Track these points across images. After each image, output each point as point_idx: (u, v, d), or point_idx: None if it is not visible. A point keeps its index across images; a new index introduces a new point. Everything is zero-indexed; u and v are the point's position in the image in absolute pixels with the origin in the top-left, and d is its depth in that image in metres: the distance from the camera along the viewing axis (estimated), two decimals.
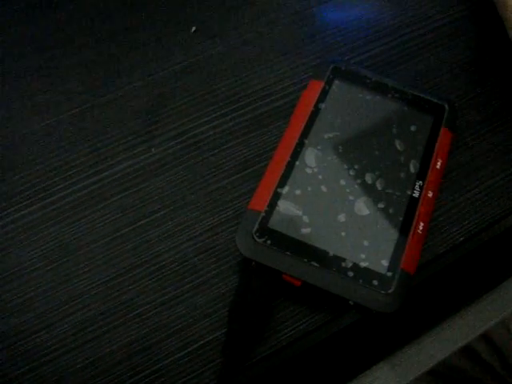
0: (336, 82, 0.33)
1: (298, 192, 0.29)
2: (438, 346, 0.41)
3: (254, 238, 0.28)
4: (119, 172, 0.33)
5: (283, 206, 0.29)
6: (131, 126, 0.35)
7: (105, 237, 0.32)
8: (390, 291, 0.27)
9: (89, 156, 0.34)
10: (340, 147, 0.31)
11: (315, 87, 0.33)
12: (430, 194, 0.30)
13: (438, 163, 0.31)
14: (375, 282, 0.27)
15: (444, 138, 0.31)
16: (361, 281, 0.27)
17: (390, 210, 0.29)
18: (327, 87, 0.33)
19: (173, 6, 0.40)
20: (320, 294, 0.28)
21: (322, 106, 0.32)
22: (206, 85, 0.36)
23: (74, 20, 0.40)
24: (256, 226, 0.28)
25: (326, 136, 0.31)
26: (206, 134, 0.34)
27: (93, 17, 0.40)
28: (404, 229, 0.29)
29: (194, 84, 0.36)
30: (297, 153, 0.30)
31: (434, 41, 0.38)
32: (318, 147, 0.30)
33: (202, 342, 0.29)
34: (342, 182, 0.30)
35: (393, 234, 0.28)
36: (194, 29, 0.39)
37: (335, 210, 0.29)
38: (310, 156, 0.30)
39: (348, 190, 0.29)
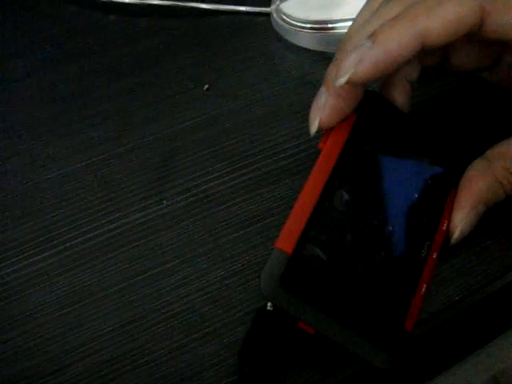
0: (369, 117, 0.31)
1: (324, 237, 0.28)
2: None
3: (280, 284, 0.26)
4: (131, 222, 0.35)
5: (310, 250, 0.27)
6: (144, 179, 0.37)
7: (116, 285, 0.33)
8: (390, 350, 0.28)
9: (102, 206, 0.35)
10: (367, 192, 0.30)
11: (348, 120, 0.31)
12: (435, 256, 0.30)
13: (445, 224, 0.31)
14: (379, 340, 0.27)
15: (452, 198, 0.31)
16: (367, 337, 0.27)
17: (402, 269, 0.29)
18: (360, 122, 0.31)
19: (186, 64, 0.42)
20: (328, 342, 0.29)
21: (354, 142, 0.30)
22: (216, 141, 0.38)
23: (93, 73, 0.42)
24: (283, 271, 0.27)
25: (355, 178, 0.30)
26: (216, 189, 0.36)
27: (111, 71, 0.42)
28: (410, 289, 0.29)
29: (206, 140, 0.38)
30: (327, 192, 0.29)
31: None
32: (348, 189, 0.29)
33: None
34: (366, 232, 0.29)
35: (400, 293, 0.29)
36: (206, 87, 0.41)
37: (356, 261, 0.28)
38: (339, 198, 0.29)
39: (369, 242, 0.29)
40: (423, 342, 0.32)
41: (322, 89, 0.30)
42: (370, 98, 0.32)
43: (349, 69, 0.28)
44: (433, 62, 0.34)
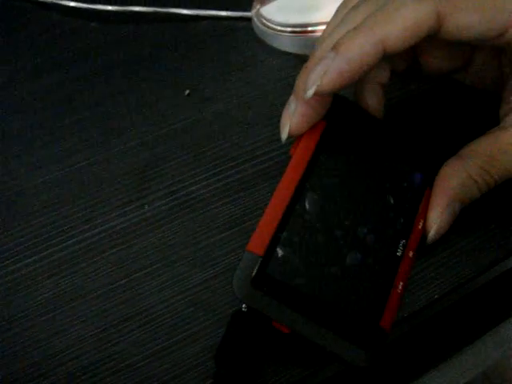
0: (339, 122, 0.32)
1: (296, 239, 0.29)
2: None
3: (252, 285, 0.28)
4: (114, 227, 0.35)
5: (281, 252, 0.28)
6: (126, 184, 0.37)
7: (99, 289, 0.33)
8: (366, 347, 0.28)
9: (85, 211, 0.36)
10: (338, 195, 0.30)
11: (318, 126, 0.32)
12: (411, 254, 0.31)
13: (420, 223, 0.31)
14: (355, 338, 0.28)
15: (427, 198, 0.32)
16: (343, 335, 0.28)
17: (376, 267, 0.29)
18: (330, 128, 0.32)
19: (168, 70, 0.43)
20: (303, 341, 0.29)
21: (324, 148, 0.31)
22: (197, 146, 0.38)
23: (76, 80, 0.42)
24: (255, 272, 0.28)
25: (325, 181, 0.31)
26: (197, 193, 0.36)
27: (93, 78, 0.43)
28: (385, 287, 0.29)
29: (186, 145, 0.39)
30: (297, 196, 0.30)
31: None
32: (318, 192, 0.30)
33: None
34: (337, 233, 0.30)
35: (375, 292, 0.29)
36: (187, 92, 0.41)
37: (328, 261, 0.29)
38: (309, 201, 0.30)
39: (341, 242, 0.30)
40: (407, 342, 0.33)
41: (292, 97, 0.32)
42: (339, 103, 0.33)
43: (315, 81, 0.29)
44: (403, 65, 0.35)
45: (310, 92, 0.29)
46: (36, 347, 0.31)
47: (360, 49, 0.28)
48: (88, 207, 0.36)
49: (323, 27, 0.42)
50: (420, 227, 0.32)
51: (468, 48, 0.34)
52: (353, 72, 0.29)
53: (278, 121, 0.32)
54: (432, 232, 0.31)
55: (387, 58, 0.30)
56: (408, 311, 0.32)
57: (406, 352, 0.35)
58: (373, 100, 0.34)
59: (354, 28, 0.29)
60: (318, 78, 0.29)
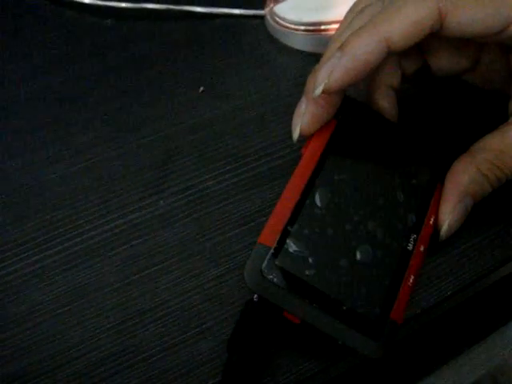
0: (349, 121, 0.33)
1: (306, 232, 0.30)
2: None
3: (262, 274, 0.28)
4: (129, 222, 0.35)
5: (291, 244, 0.29)
6: (141, 179, 0.37)
7: (113, 283, 0.33)
8: (378, 338, 0.28)
9: (100, 206, 0.36)
10: (348, 191, 0.31)
11: (329, 125, 0.33)
12: (422, 249, 0.31)
13: (432, 219, 0.32)
14: (366, 328, 0.28)
15: (438, 194, 0.32)
16: (354, 325, 0.28)
17: (386, 260, 0.30)
18: (340, 127, 0.33)
19: (182, 67, 0.43)
20: (316, 333, 0.29)
21: (334, 146, 0.32)
22: (212, 142, 0.39)
23: (90, 76, 0.43)
24: (265, 263, 0.28)
25: (336, 178, 0.31)
26: (212, 189, 0.37)
27: (107, 74, 0.43)
28: (396, 280, 0.30)
29: (201, 141, 0.39)
30: (307, 191, 0.30)
31: None
32: (328, 188, 0.31)
33: None
34: (347, 227, 0.30)
35: (386, 284, 0.30)
36: (201, 89, 0.42)
37: (338, 254, 0.30)
38: (319, 196, 0.31)
39: (351, 236, 0.30)
40: (418, 338, 0.33)
41: (303, 98, 0.33)
42: (349, 103, 0.34)
43: (323, 80, 0.30)
44: (412, 68, 0.36)
45: (319, 90, 0.30)
46: (52, 340, 0.32)
47: (365, 47, 0.29)
48: (103, 202, 0.36)
49: (336, 26, 0.43)
50: (431, 223, 0.32)
51: (474, 48, 0.34)
52: (358, 69, 0.30)
53: (290, 118, 0.33)
54: (444, 227, 0.31)
55: (395, 59, 0.32)
56: (421, 307, 0.32)
57: (417, 348, 0.36)
58: (386, 104, 0.35)
59: (359, 28, 0.30)
60: (325, 77, 0.30)
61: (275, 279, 0.28)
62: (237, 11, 0.46)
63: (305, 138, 0.33)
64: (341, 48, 0.30)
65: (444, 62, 0.35)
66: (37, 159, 0.39)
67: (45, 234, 0.35)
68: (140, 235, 0.35)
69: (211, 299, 0.33)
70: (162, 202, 0.36)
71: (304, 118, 0.32)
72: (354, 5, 0.35)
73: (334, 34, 0.35)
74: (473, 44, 0.34)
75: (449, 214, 0.32)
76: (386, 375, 0.37)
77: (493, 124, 0.33)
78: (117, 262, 0.34)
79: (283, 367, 0.31)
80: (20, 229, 0.36)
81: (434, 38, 0.31)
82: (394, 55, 0.34)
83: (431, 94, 0.40)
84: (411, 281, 0.30)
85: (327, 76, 0.30)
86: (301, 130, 0.32)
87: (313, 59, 0.43)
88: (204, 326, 0.32)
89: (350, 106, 0.34)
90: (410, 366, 0.38)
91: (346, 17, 0.35)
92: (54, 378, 0.31)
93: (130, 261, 0.34)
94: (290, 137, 0.34)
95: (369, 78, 0.35)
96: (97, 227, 0.35)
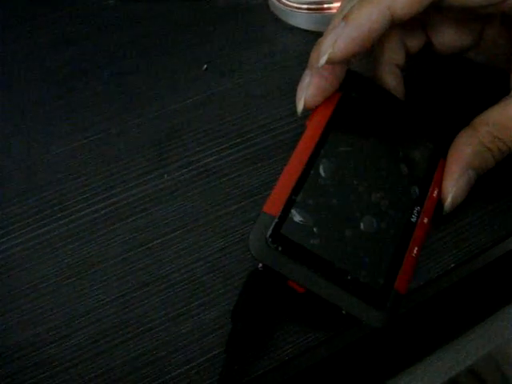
0: (354, 94, 0.33)
1: (310, 201, 0.30)
2: (428, 377, 0.43)
3: (266, 243, 0.28)
4: (133, 196, 0.36)
5: (296, 213, 0.29)
6: (145, 154, 0.37)
7: (118, 255, 0.34)
8: (382, 308, 0.29)
9: (105, 180, 0.36)
10: (352, 162, 0.31)
11: (333, 98, 0.33)
12: (426, 221, 0.31)
13: (435, 192, 0.32)
14: (370, 298, 0.29)
15: (441, 167, 0.33)
16: (358, 295, 0.28)
17: (391, 231, 0.30)
18: (344, 99, 0.33)
19: (185, 45, 0.43)
20: (320, 302, 0.30)
21: (339, 117, 0.32)
22: (215, 118, 0.39)
23: (93, 55, 0.43)
24: (269, 232, 0.28)
25: (340, 149, 0.31)
26: (216, 164, 0.37)
27: (111, 53, 0.43)
28: (400, 251, 0.30)
29: (205, 117, 0.39)
30: (312, 162, 0.31)
31: None
32: (332, 159, 0.31)
33: (208, 356, 0.31)
34: (352, 198, 0.30)
35: (390, 255, 0.30)
36: (205, 66, 0.42)
37: (342, 224, 0.30)
38: (323, 167, 0.31)
39: (355, 207, 0.30)
40: (421, 311, 0.33)
41: (307, 70, 0.33)
42: (352, 77, 0.34)
43: (327, 49, 0.30)
44: (416, 46, 0.36)
45: (323, 59, 0.30)
46: (58, 311, 0.32)
47: (368, 16, 0.29)
48: (107, 176, 0.37)
49: (338, 4, 0.43)
50: (435, 195, 0.32)
51: (477, 23, 0.34)
52: (362, 38, 0.30)
53: (294, 95, 0.33)
54: (448, 200, 0.32)
55: (398, 37, 0.33)
56: (424, 279, 0.32)
57: (421, 322, 0.36)
58: (392, 81, 0.35)
59: None
60: (329, 46, 0.30)
61: (280, 248, 0.28)
62: None
63: (309, 111, 0.33)
64: (345, 18, 0.30)
65: (447, 38, 0.35)
66: (40, 136, 0.39)
67: (49, 208, 0.36)
68: (144, 209, 0.35)
69: (214, 271, 0.33)
70: (165, 176, 0.36)
71: (308, 90, 0.32)
72: None
73: (338, 9, 0.35)
74: (475, 19, 0.34)
75: (452, 187, 0.32)
76: (389, 350, 0.37)
77: (494, 99, 0.33)
78: (121, 234, 0.34)
79: (287, 337, 0.31)
80: (24, 203, 0.36)
81: (437, 12, 0.31)
82: (397, 32, 0.35)
83: (434, 71, 0.40)
84: (415, 252, 0.31)
85: (332, 45, 0.30)
86: (305, 102, 0.32)
87: (315, 37, 0.43)
88: (207, 298, 0.32)
89: (354, 79, 0.34)
90: (413, 341, 0.38)
91: None
92: (59, 347, 0.31)
93: (133, 233, 0.34)
94: (294, 113, 0.34)
95: (374, 55, 0.36)
96: (101, 201, 0.36)
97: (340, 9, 0.34)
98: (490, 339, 0.49)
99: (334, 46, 0.30)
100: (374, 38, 0.30)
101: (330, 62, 0.30)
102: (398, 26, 0.31)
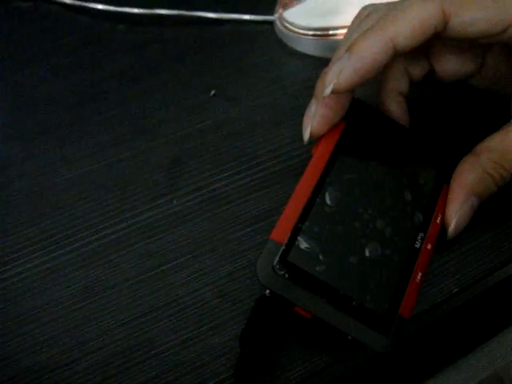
0: (358, 123, 0.34)
1: (316, 229, 0.30)
2: None
3: (274, 270, 0.29)
4: (143, 221, 0.36)
5: (302, 241, 0.30)
6: (154, 179, 0.38)
7: (128, 280, 0.34)
8: (386, 333, 0.29)
9: (115, 205, 0.37)
10: (357, 190, 0.32)
11: (338, 127, 0.34)
12: (429, 247, 0.32)
13: (438, 218, 0.33)
14: (375, 323, 0.29)
15: (444, 194, 0.33)
16: (363, 320, 0.29)
17: (395, 257, 0.31)
18: (349, 128, 0.34)
19: (193, 71, 0.44)
20: (326, 327, 0.30)
21: (344, 146, 0.33)
22: (224, 143, 0.40)
23: (104, 80, 0.44)
24: (277, 259, 0.29)
25: (345, 177, 0.32)
26: (224, 189, 0.38)
27: (120, 78, 0.44)
28: (404, 277, 0.31)
29: (212, 143, 0.40)
30: (318, 190, 0.31)
31: None
32: (338, 187, 0.32)
33: (217, 380, 0.31)
34: (357, 225, 0.31)
35: (394, 281, 0.30)
36: (212, 92, 0.43)
37: (348, 251, 0.30)
38: (329, 195, 0.31)
39: (360, 233, 0.31)
40: (425, 335, 0.34)
41: (312, 100, 0.34)
42: (357, 106, 0.35)
43: (332, 80, 0.31)
44: (420, 74, 0.36)
45: (328, 90, 0.31)
46: (68, 335, 0.32)
47: (371, 47, 0.30)
48: (117, 201, 0.37)
49: (344, 31, 0.44)
50: (438, 221, 0.33)
51: (479, 51, 0.35)
52: (366, 69, 0.31)
53: (301, 120, 0.34)
54: (452, 226, 0.32)
55: (402, 66, 0.34)
56: (428, 304, 0.33)
57: (424, 346, 0.36)
58: (397, 109, 0.36)
59: (365, 30, 0.31)
60: (334, 77, 0.31)
61: (286, 275, 0.29)
62: (247, 17, 0.47)
63: (315, 139, 0.34)
64: (349, 49, 0.31)
65: (450, 65, 0.36)
66: (53, 160, 0.40)
67: (61, 232, 0.36)
68: (154, 233, 0.36)
69: (223, 296, 0.33)
70: (175, 201, 0.37)
71: (314, 119, 0.33)
72: (361, 11, 0.36)
73: (342, 39, 0.36)
74: (477, 47, 0.35)
75: (456, 213, 0.32)
76: (393, 373, 0.37)
77: (496, 125, 0.34)
78: (131, 259, 0.35)
79: (294, 361, 0.31)
80: (37, 227, 0.37)
81: (440, 41, 0.32)
82: (400, 60, 0.35)
83: (436, 98, 0.41)
84: (419, 278, 0.31)
85: (336, 76, 0.31)
86: (311, 131, 0.33)
87: (321, 63, 0.44)
88: (216, 322, 0.33)
89: (359, 107, 0.35)
90: (417, 364, 0.38)
91: (353, 22, 0.36)
92: (71, 370, 0.31)
93: (144, 258, 0.35)
94: (300, 139, 0.35)
95: (379, 84, 0.36)
96: (112, 226, 0.36)
97: (345, 37, 0.35)
98: (494, 359, 0.49)
99: (338, 76, 0.31)
100: (377, 69, 0.31)
101: (335, 92, 0.31)
102: (401, 55, 0.32)
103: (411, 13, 0.30)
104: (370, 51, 0.30)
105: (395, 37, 0.30)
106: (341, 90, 0.31)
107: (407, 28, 0.30)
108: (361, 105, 0.35)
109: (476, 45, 0.34)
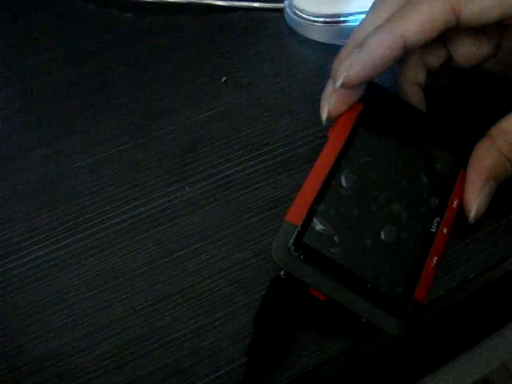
0: (375, 106, 0.34)
1: (331, 211, 0.30)
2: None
3: (289, 251, 0.29)
4: (156, 208, 0.36)
5: (318, 223, 0.30)
6: (167, 167, 0.38)
7: (142, 267, 0.34)
8: (401, 317, 0.29)
9: (127, 192, 0.37)
10: (373, 173, 0.32)
11: (355, 108, 0.34)
12: (445, 231, 0.32)
13: (455, 202, 0.33)
14: (389, 306, 0.29)
15: (461, 178, 0.33)
16: (377, 303, 0.29)
17: (410, 241, 0.31)
18: (366, 110, 0.34)
19: (204, 58, 0.44)
20: (340, 310, 0.30)
21: (360, 129, 0.33)
22: (235, 130, 0.39)
23: (114, 68, 0.44)
24: (292, 240, 0.29)
25: (361, 160, 0.32)
26: (236, 176, 0.37)
27: (130, 66, 0.44)
28: (420, 261, 0.30)
29: (225, 129, 0.40)
30: (334, 172, 0.31)
31: None
32: (354, 170, 0.32)
33: (231, 366, 0.31)
34: (372, 208, 0.31)
35: (410, 264, 0.30)
36: (224, 79, 0.42)
37: (363, 233, 0.30)
38: (345, 178, 0.31)
39: (376, 216, 0.31)
40: (440, 321, 0.34)
41: (330, 80, 0.34)
42: (374, 88, 0.35)
43: (342, 73, 0.31)
44: (437, 62, 0.36)
45: (338, 83, 0.32)
46: (82, 321, 0.33)
47: (381, 43, 0.31)
48: (130, 188, 0.37)
49: (354, 17, 0.43)
50: (454, 206, 0.33)
51: (495, 32, 0.35)
52: (375, 64, 0.31)
53: (312, 107, 0.34)
54: (473, 212, 0.32)
55: (419, 56, 0.34)
56: (444, 289, 0.33)
57: (439, 332, 0.36)
58: (413, 100, 0.36)
59: (377, 27, 0.32)
60: (344, 71, 0.31)
61: (302, 256, 0.29)
62: (256, 4, 0.47)
63: (332, 120, 0.33)
64: (360, 45, 0.31)
65: (466, 49, 0.35)
66: (65, 147, 0.39)
67: (74, 219, 0.36)
68: (166, 220, 0.36)
69: (236, 282, 0.33)
70: (187, 188, 0.37)
71: (331, 99, 0.33)
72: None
73: (353, 33, 0.36)
74: (493, 28, 0.34)
75: (475, 199, 0.32)
76: (406, 359, 0.37)
77: (509, 108, 0.33)
78: (144, 246, 0.35)
79: (308, 346, 0.31)
80: (50, 214, 0.36)
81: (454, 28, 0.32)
82: (417, 52, 0.35)
83: (453, 84, 0.41)
84: (434, 262, 0.31)
85: (346, 70, 0.31)
86: (329, 109, 0.33)
87: (331, 50, 0.43)
88: (229, 309, 0.33)
89: (376, 90, 0.35)
90: (430, 351, 0.38)
91: (368, 12, 0.36)
92: (83, 358, 0.31)
93: (157, 245, 0.35)
94: (313, 125, 0.35)
95: (397, 77, 0.37)
96: (124, 212, 0.36)
97: (355, 32, 0.35)
98: (504, 350, 0.49)
99: (348, 70, 0.31)
100: (387, 64, 0.32)
101: (344, 86, 0.32)
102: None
103: (420, 9, 0.31)
104: (380, 47, 0.31)
105: (405, 33, 0.31)
106: (350, 84, 0.32)
107: (416, 25, 0.31)
108: (378, 87, 0.35)
109: (491, 27, 0.34)
